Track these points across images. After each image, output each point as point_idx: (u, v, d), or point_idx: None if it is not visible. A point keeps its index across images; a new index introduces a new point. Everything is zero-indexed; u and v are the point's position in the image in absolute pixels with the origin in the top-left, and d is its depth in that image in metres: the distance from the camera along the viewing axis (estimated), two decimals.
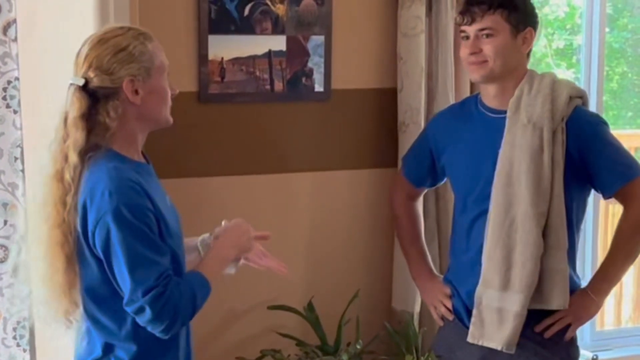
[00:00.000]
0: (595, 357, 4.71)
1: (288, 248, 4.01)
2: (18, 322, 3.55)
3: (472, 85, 4.08)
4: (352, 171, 4.08)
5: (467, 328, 3.20)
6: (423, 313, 4.07)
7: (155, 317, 2.41)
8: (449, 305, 3.32)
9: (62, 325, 2.62)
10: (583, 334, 4.94)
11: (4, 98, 3.43)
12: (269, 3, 3.80)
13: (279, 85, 3.87)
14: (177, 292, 2.44)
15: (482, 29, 3.05)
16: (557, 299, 3.06)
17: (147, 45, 2.54)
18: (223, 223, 2.80)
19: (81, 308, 2.56)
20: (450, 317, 3.32)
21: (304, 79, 3.91)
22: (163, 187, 2.75)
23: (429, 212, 4.02)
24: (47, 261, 2.51)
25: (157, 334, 2.47)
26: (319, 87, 3.94)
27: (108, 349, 2.56)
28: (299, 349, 3.92)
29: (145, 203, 2.45)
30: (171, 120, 2.65)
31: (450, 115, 3.44)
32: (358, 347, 3.88)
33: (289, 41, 3.87)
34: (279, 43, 3.85)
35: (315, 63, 3.92)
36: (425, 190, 3.56)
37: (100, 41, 2.53)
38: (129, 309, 2.44)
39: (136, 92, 2.51)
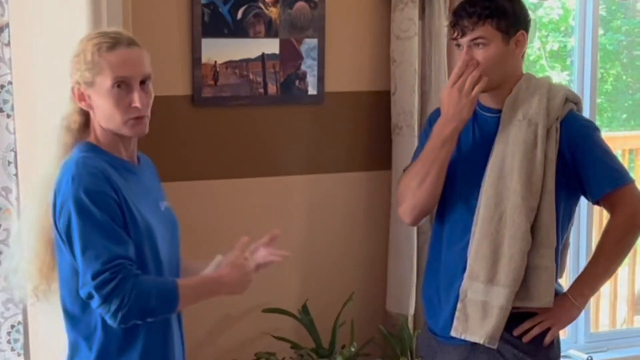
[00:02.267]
0: (589, 358, 4.73)
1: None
2: (12, 326, 3.54)
3: None
4: (345, 174, 4.09)
5: (436, 336, 3.20)
6: (417, 316, 4.08)
7: (102, 303, 2.41)
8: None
9: (31, 298, 2.70)
10: (578, 336, 4.96)
11: None
12: (262, 6, 3.81)
13: (272, 89, 3.88)
14: (130, 284, 2.42)
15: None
16: (543, 297, 3.03)
17: (103, 55, 2.53)
18: (220, 256, 2.77)
19: (59, 299, 2.61)
20: None
21: (297, 82, 3.92)
22: (163, 191, 2.76)
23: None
24: (35, 239, 2.60)
25: (110, 323, 2.46)
26: (312, 90, 3.95)
27: (75, 348, 2.58)
28: (294, 352, 3.93)
29: (105, 189, 2.46)
30: (135, 131, 2.57)
31: None
32: (353, 349, 3.89)
33: (282, 44, 3.87)
34: (272, 46, 3.85)
35: (309, 66, 3.92)
36: None
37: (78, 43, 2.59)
38: (82, 293, 2.45)
39: (84, 98, 2.54)
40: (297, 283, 4.06)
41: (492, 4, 3.05)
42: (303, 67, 3.91)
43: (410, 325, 4.06)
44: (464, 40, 3.06)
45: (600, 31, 4.96)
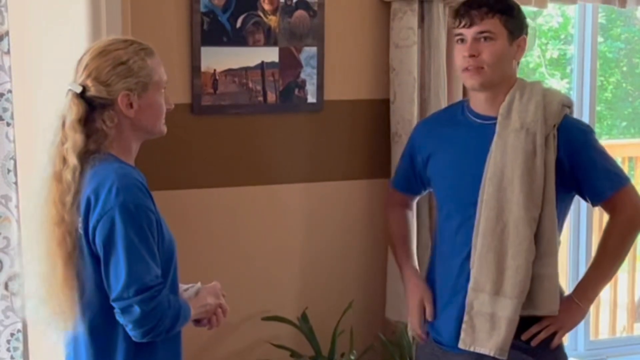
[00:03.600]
0: None
1: (282, 259, 4.02)
2: (12, 334, 3.54)
3: (464, 95, 4.09)
4: (345, 182, 4.09)
5: (442, 346, 3.19)
6: None
7: (141, 319, 2.41)
8: (418, 331, 3.28)
9: (56, 326, 2.60)
10: (577, 344, 4.96)
11: None
12: (262, 15, 3.82)
13: (271, 97, 3.88)
14: (167, 303, 2.46)
15: (482, 32, 3.01)
16: (549, 305, 3.04)
17: (147, 61, 2.57)
18: (199, 284, 2.79)
19: (77, 315, 2.57)
20: (420, 339, 3.31)
21: (296, 90, 3.92)
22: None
23: (422, 223, 4.03)
24: (46, 260, 2.52)
25: (133, 336, 2.47)
26: (311, 99, 3.95)
27: None
28: None
29: (149, 204, 2.48)
30: (165, 130, 2.68)
31: (435, 122, 3.40)
32: (352, 357, 3.89)
33: (281, 53, 3.88)
34: (271, 54, 3.86)
35: (308, 74, 3.93)
36: (417, 198, 3.55)
37: (102, 52, 2.56)
38: (117, 305, 2.43)
39: (131, 105, 2.54)
40: (297, 291, 4.06)
41: (504, 0, 3.05)
42: (302, 76, 3.92)
43: (410, 333, 4.05)
44: (470, 32, 3.03)
45: (600, 39, 4.97)
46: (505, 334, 3.03)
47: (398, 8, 3.96)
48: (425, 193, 3.48)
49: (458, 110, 3.24)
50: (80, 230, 2.49)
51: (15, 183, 3.47)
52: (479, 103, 3.14)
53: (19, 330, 3.54)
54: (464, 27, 3.04)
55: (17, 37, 3.41)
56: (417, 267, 3.45)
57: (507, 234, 3.02)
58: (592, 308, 4.67)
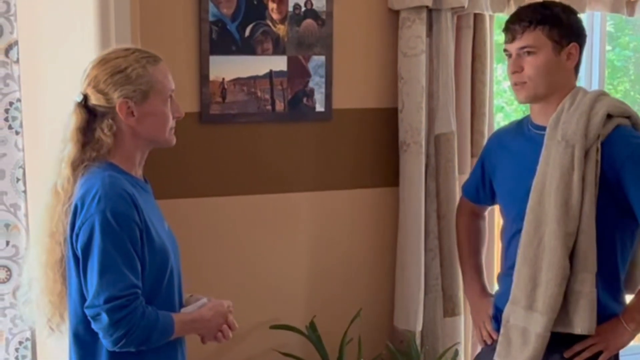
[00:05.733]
0: None
1: (290, 268, 4.01)
2: (20, 343, 3.55)
3: (473, 104, 4.10)
4: (353, 191, 4.09)
5: None
6: (425, 332, 4.07)
7: (109, 327, 2.42)
8: (489, 326, 3.27)
9: (48, 332, 2.70)
10: None
11: (6, 119, 3.44)
12: (270, 24, 3.82)
13: (280, 106, 3.88)
14: (140, 313, 2.45)
15: (523, 47, 2.99)
16: (582, 323, 2.96)
17: (148, 69, 2.57)
18: (205, 299, 2.78)
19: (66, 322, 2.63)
20: (490, 341, 3.27)
21: (305, 99, 3.92)
22: (161, 211, 2.76)
23: (431, 230, 4.03)
24: (38, 267, 2.61)
25: (105, 345, 2.49)
26: (320, 107, 3.95)
27: None
28: None
29: (131, 214, 2.48)
30: (173, 141, 2.67)
31: (505, 132, 3.35)
32: None
33: (290, 61, 3.88)
34: (280, 63, 3.86)
35: (316, 83, 3.93)
36: (487, 208, 3.51)
37: (102, 61, 2.58)
38: (88, 312, 2.46)
39: (131, 113, 2.55)
40: (305, 299, 4.06)
41: (545, 11, 3.01)
42: (311, 84, 3.92)
43: (418, 341, 4.05)
44: (513, 47, 3.01)
45: (608, 47, 4.95)
46: (534, 349, 2.98)
47: (406, 17, 3.96)
48: (493, 205, 3.44)
49: (526, 121, 3.20)
50: (68, 232, 2.52)
51: (24, 192, 3.48)
52: (534, 113, 3.12)
53: (27, 339, 3.55)
54: (507, 42, 3.03)
55: (26, 46, 3.42)
56: (483, 279, 3.43)
57: (542, 248, 2.96)
58: None
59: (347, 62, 3.99)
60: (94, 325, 2.47)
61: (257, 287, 3.96)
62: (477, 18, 4.06)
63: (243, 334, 3.91)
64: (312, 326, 3.95)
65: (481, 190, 3.37)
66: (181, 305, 2.72)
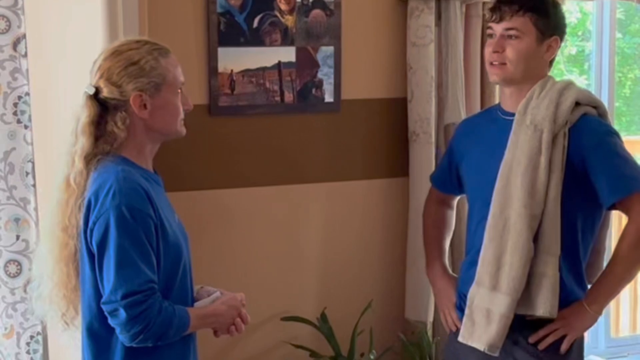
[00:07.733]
0: None
1: (301, 259, 4.01)
2: (31, 337, 3.55)
3: (482, 93, 4.08)
4: (363, 181, 4.08)
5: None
6: (436, 323, 4.06)
7: (127, 322, 2.41)
8: (454, 314, 3.28)
9: (62, 326, 2.69)
10: (598, 342, 4.93)
11: (15, 113, 3.44)
12: (278, 14, 3.81)
13: (289, 97, 3.87)
14: (157, 309, 2.44)
15: (509, 29, 3.02)
16: (544, 305, 2.99)
17: (160, 61, 2.56)
18: (218, 292, 2.77)
19: (79, 316, 2.62)
20: (454, 328, 3.28)
21: (314, 90, 3.91)
22: (172, 204, 2.75)
23: None
24: (51, 261, 2.59)
25: (122, 340, 2.48)
26: (329, 98, 3.94)
27: None
28: None
29: (146, 209, 2.47)
30: (183, 132, 2.66)
31: (474, 119, 3.43)
32: (372, 357, 3.88)
33: (298, 52, 3.87)
34: (288, 54, 3.85)
35: (325, 74, 3.92)
36: (455, 197, 3.52)
37: (114, 53, 2.56)
38: (105, 308, 2.45)
39: (144, 106, 2.53)
40: (316, 291, 4.05)
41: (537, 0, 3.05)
42: (319, 75, 3.91)
43: (429, 332, 4.05)
44: (499, 27, 3.04)
45: (618, 35, 4.94)
46: (497, 330, 3.02)
47: (415, 6, 3.94)
48: (461, 194, 3.45)
49: (495, 108, 3.25)
50: (82, 227, 2.50)
51: (34, 185, 3.48)
52: (505, 99, 3.15)
53: (38, 333, 3.55)
54: (494, 21, 3.07)
55: (34, 39, 3.42)
56: (444, 261, 3.44)
57: (508, 230, 3.01)
58: (612, 305, 4.68)
59: (355, 53, 3.98)
60: (111, 321, 2.45)
61: (268, 279, 3.95)
62: (486, 7, 4.04)
63: (254, 326, 3.90)
64: (323, 318, 3.95)
65: (447, 179, 3.39)
66: (192, 298, 2.71)
